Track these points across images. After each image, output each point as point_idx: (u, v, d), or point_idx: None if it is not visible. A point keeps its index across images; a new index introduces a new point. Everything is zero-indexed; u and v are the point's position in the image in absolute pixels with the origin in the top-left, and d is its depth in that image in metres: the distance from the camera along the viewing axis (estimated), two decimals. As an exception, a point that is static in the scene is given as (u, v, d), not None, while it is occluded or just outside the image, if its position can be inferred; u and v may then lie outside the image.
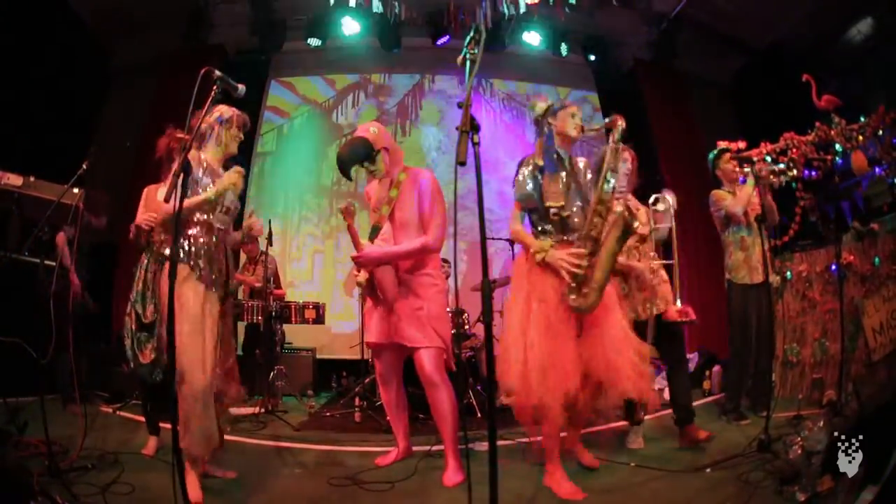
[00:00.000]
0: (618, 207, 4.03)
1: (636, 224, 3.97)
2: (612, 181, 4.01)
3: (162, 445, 4.83)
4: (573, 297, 3.93)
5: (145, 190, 5.03)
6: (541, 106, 4.39)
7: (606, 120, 4.00)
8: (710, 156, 6.35)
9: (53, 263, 4.92)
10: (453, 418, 4.37)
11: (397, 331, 4.48)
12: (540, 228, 4.20)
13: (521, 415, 4.05)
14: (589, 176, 4.34)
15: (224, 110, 4.09)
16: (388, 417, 5.10)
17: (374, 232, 4.60)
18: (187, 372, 3.52)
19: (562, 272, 3.94)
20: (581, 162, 4.40)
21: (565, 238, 4.11)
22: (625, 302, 5.04)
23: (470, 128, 2.53)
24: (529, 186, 4.14)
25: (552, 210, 4.08)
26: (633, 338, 4.12)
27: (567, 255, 3.94)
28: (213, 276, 3.88)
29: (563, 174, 4.19)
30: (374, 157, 4.52)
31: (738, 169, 6.07)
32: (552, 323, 3.96)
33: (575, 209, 4.16)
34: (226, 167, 4.10)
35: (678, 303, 5.16)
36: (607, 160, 4.04)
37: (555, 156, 4.21)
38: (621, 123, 4.14)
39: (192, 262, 3.83)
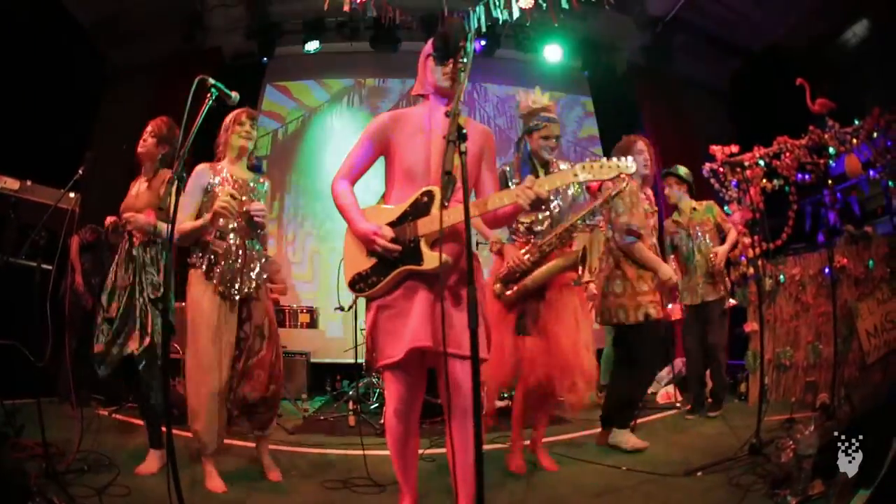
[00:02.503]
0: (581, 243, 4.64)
1: (583, 278, 4.56)
2: (588, 221, 4.32)
3: (164, 463, 4.29)
4: (499, 286, 4.49)
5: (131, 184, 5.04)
6: (525, 106, 4.74)
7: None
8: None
9: (50, 267, 4.92)
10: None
11: (451, 336, 3.01)
12: (513, 230, 4.71)
13: None
14: (569, 192, 4.68)
15: (227, 118, 4.33)
16: (394, 460, 3.44)
17: (450, 183, 2.69)
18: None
19: (508, 261, 4.41)
20: (563, 167, 4.60)
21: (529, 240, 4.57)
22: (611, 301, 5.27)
23: (457, 137, 2.47)
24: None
25: (520, 224, 4.62)
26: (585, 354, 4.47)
27: (519, 252, 4.42)
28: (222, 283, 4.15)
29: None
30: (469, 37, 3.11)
31: (672, 190, 6.73)
32: (494, 318, 4.32)
33: (542, 217, 4.57)
34: (252, 168, 4.51)
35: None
36: (598, 201, 4.39)
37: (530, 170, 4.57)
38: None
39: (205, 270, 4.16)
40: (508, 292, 4.45)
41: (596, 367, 4.63)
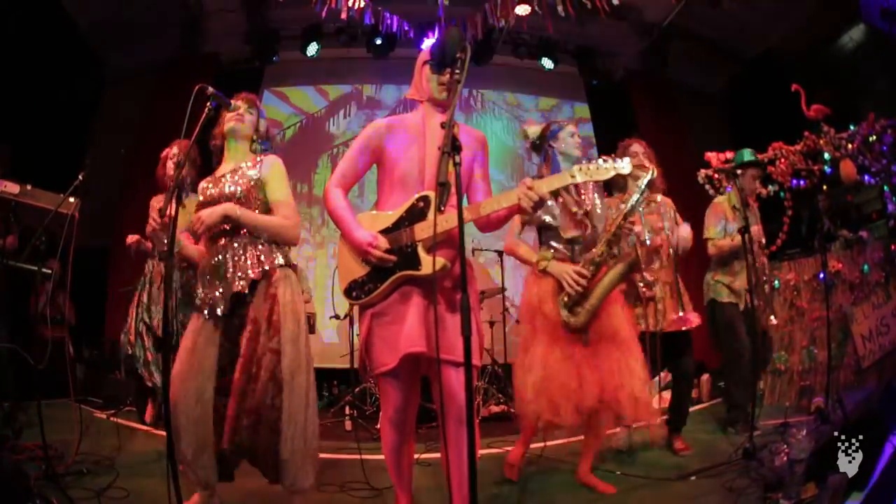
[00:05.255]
0: (632, 238, 4.38)
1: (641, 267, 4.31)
2: (633, 219, 4.21)
3: (150, 458, 4.81)
4: (565, 312, 4.05)
5: (152, 200, 5.04)
6: (534, 130, 4.51)
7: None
8: (737, 160, 6.23)
9: (50, 271, 4.94)
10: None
11: (445, 341, 2.95)
12: (548, 245, 4.32)
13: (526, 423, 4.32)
14: (597, 200, 4.42)
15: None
16: (390, 466, 3.48)
17: (445, 191, 2.52)
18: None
19: (564, 284, 4.05)
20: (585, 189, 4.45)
21: (569, 255, 4.26)
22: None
23: (451, 148, 2.46)
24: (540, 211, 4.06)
25: (571, 237, 4.26)
26: (639, 363, 4.20)
27: (572, 269, 4.05)
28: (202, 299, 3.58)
29: (573, 198, 4.30)
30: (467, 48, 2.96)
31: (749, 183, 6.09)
32: (557, 337, 4.11)
33: (583, 231, 4.29)
34: (254, 150, 3.95)
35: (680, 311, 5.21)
36: (632, 200, 4.20)
37: None
38: (653, 173, 4.31)
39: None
40: (574, 317, 4.08)
41: (647, 382, 4.27)
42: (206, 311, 3.53)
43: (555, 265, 4.17)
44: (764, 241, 6.14)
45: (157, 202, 4.91)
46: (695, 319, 5.16)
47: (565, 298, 4.08)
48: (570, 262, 4.18)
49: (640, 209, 4.98)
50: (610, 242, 4.11)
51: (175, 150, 4.83)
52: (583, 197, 4.34)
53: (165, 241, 4.19)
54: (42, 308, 5.29)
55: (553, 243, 4.30)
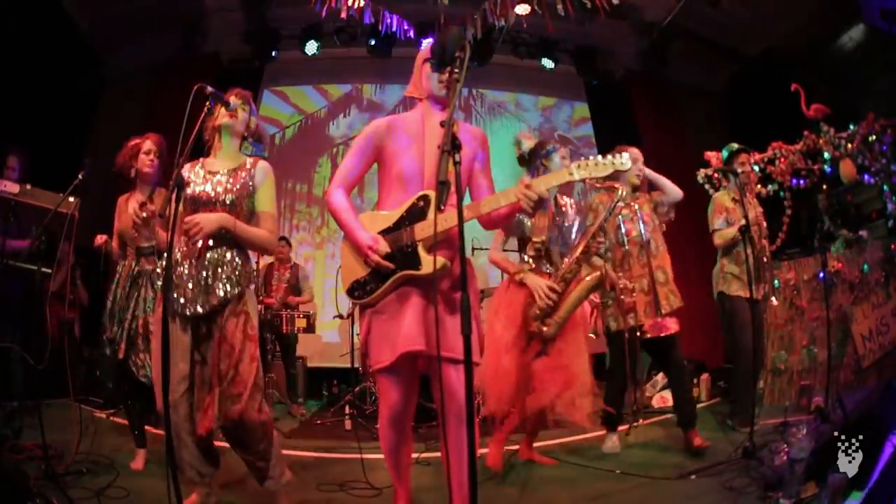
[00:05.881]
0: (599, 261, 4.73)
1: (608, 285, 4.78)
2: (601, 237, 4.36)
3: (150, 458, 4.73)
4: (537, 323, 4.36)
5: (119, 200, 4.95)
6: (529, 143, 4.70)
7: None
8: (724, 155, 6.33)
9: (50, 270, 4.93)
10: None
11: (444, 339, 2.94)
12: (524, 258, 4.66)
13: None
14: (574, 218, 4.79)
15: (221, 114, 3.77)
16: (388, 464, 3.50)
17: (444, 189, 2.43)
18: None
19: (536, 297, 4.35)
20: (564, 199, 4.85)
21: (543, 269, 4.58)
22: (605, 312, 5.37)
23: (451, 146, 2.43)
24: (518, 217, 4.50)
25: (536, 243, 4.57)
26: (585, 371, 4.52)
27: (545, 284, 4.35)
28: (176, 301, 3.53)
29: (551, 211, 4.63)
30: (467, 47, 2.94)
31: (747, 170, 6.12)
32: (510, 341, 4.43)
33: (555, 246, 4.62)
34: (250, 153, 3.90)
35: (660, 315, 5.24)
36: (602, 217, 4.42)
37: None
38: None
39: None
40: (546, 328, 4.35)
41: (593, 382, 4.58)
42: (178, 315, 3.52)
43: (531, 276, 4.47)
44: (765, 224, 6.14)
45: (125, 201, 4.82)
46: (672, 326, 5.21)
47: (537, 311, 4.35)
48: (545, 276, 4.49)
49: (620, 217, 5.12)
50: (579, 260, 4.37)
51: (149, 143, 4.73)
52: (563, 213, 4.74)
53: (147, 236, 4.24)
54: (58, 287, 5.25)
55: (529, 256, 4.62)
